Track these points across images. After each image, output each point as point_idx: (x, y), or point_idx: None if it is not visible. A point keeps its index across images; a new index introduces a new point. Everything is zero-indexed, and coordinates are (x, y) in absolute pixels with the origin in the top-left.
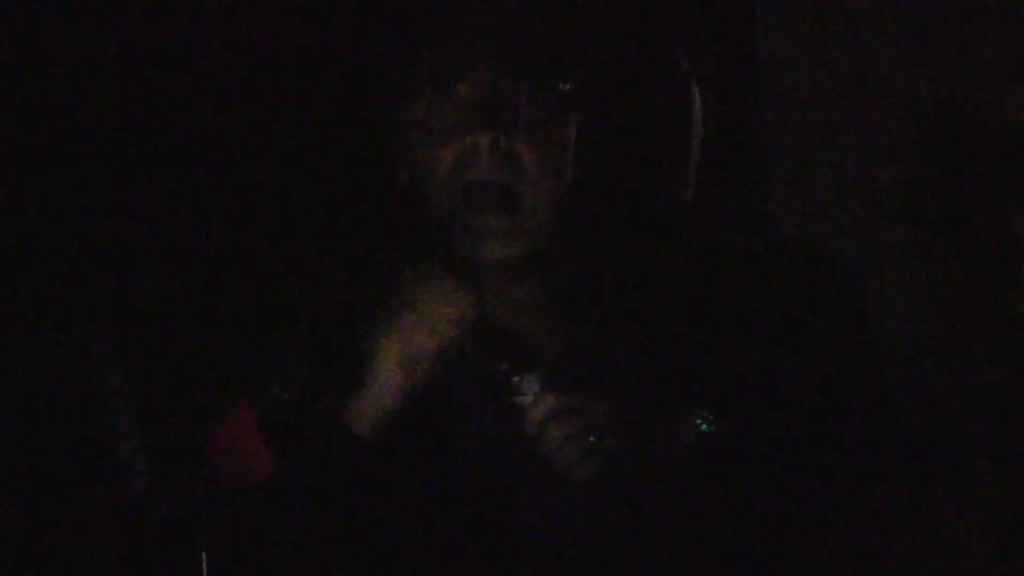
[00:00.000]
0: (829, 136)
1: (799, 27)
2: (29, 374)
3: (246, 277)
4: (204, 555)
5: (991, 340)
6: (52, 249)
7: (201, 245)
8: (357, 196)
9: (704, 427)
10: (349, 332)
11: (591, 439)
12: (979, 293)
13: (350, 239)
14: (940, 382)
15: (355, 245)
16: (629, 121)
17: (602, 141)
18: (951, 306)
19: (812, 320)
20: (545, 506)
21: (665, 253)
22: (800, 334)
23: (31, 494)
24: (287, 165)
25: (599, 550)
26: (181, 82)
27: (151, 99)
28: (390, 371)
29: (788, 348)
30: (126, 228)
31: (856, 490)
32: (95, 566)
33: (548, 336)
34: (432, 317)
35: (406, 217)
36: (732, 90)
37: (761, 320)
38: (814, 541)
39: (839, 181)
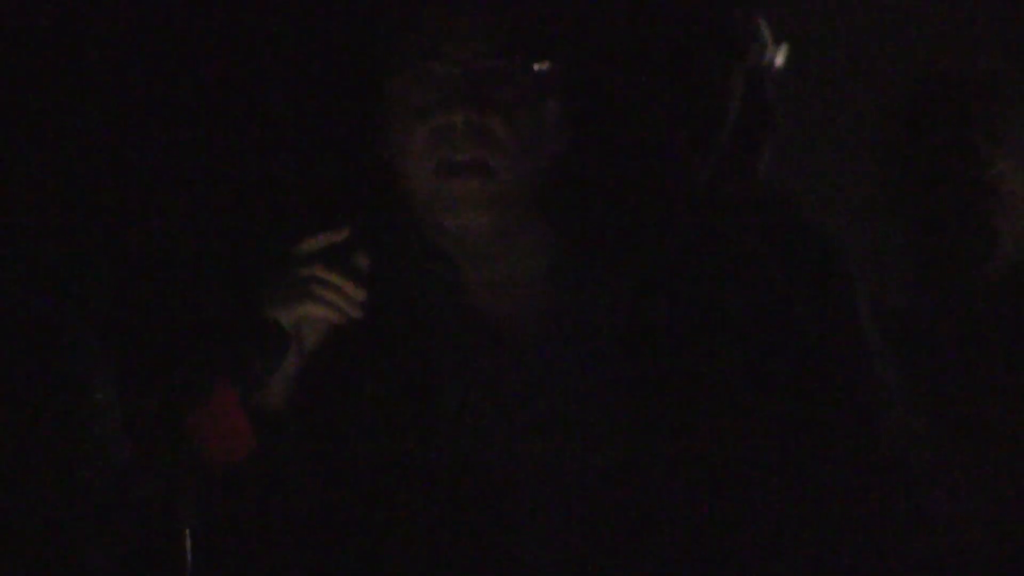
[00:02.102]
0: (800, 102)
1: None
2: (2, 353)
3: (229, 255)
4: (187, 532)
5: (966, 310)
6: (30, 233)
7: (185, 224)
8: (339, 177)
9: None
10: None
11: None
12: (954, 262)
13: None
14: (916, 359)
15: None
16: (610, 101)
17: (584, 119)
18: (925, 277)
19: (802, 303)
20: (541, 495)
21: (648, 232)
22: (788, 316)
23: (8, 474)
24: (271, 148)
25: (597, 538)
26: (164, 70)
27: (131, 89)
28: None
29: (773, 330)
30: (107, 210)
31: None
32: (76, 546)
33: (526, 315)
34: (317, 283)
35: (387, 196)
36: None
37: (739, 295)
38: (810, 538)
39: (811, 148)
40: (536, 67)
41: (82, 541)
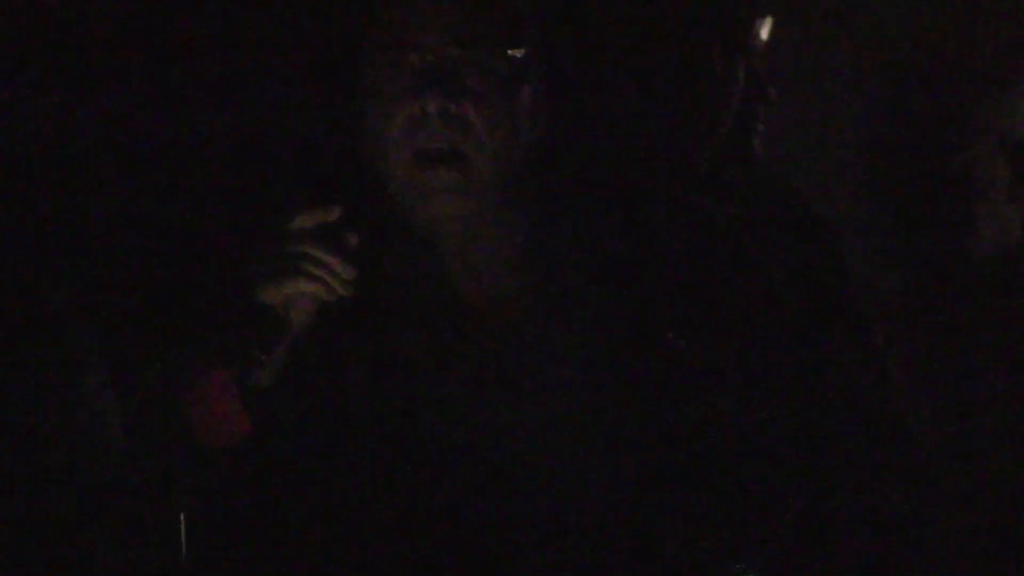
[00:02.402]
0: (787, 89)
1: None
2: None
3: (225, 237)
4: (182, 515)
5: (952, 296)
6: (21, 219)
7: (180, 205)
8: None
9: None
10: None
11: None
12: (937, 249)
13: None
14: (902, 344)
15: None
16: (587, 85)
17: (561, 104)
18: (909, 260)
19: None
20: (525, 480)
21: (635, 218)
22: (775, 300)
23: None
24: (259, 134)
25: (586, 528)
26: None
27: (115, 75)
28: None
29: (757, 312)
30: (98, 195)
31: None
32: (71, 530)
33: (507, 300)
34: (306, 259)
35: (367, 184)
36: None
37: (723, 274)
38: (812, 536)
39: (804, 140)
40: (510, 54)
41: (78, 529)
